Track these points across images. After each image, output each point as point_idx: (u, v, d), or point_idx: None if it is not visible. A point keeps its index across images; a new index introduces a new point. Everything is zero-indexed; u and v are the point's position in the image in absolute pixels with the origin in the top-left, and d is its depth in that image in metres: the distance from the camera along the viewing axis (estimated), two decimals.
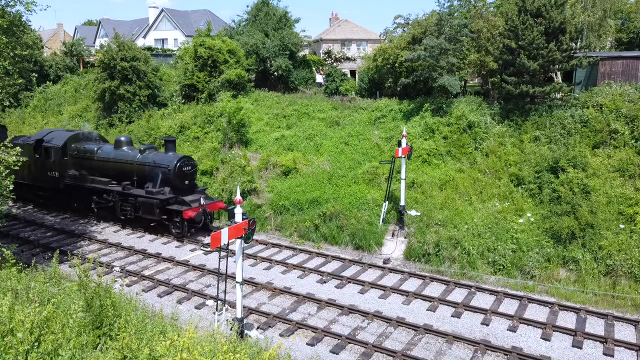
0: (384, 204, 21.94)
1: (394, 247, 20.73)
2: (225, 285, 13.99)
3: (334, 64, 40.80)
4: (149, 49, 47.71)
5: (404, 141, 21.14)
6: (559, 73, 27.58)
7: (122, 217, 23.15)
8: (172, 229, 22.14)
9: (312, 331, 14.31)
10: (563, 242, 19.08)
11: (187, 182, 22.71)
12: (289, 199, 23.89)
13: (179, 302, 16.22)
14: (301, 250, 20.97)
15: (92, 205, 24.02)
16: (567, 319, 15.01)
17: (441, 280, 17.83)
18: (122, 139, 24.18)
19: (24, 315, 7.13)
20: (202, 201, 22.12)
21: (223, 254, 14.15)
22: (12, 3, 17.39)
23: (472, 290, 17.00)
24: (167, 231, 22.65)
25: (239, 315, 13.26)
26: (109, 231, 23.32)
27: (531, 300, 16.27)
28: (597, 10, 31.26)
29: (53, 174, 25.01)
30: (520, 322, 14.71)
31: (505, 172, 23.00)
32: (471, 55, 28.46)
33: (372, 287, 17.26)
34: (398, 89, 30.30)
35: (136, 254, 20.56)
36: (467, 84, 32.28)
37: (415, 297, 16.37)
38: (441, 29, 28.00)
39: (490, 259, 18.88)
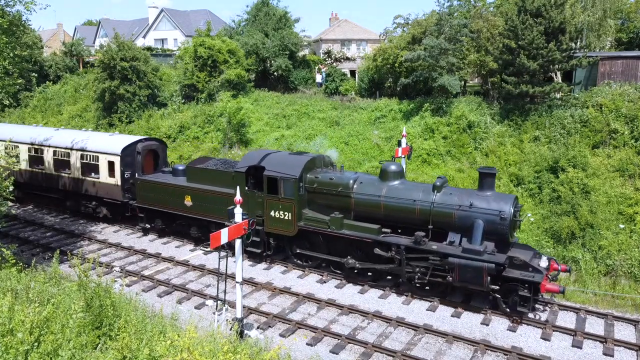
0: None
1: None
2: (225, 285, 13.99)
3: (334, 63, 40.79)
4: (149, 49, 47.70)
5: (403, 141, 21.13)
6: (558, 73, 27.58)
7: (405, 281, 16.38)
8: (503, 305, 15.16)
9: (312, 331, 14.32)
10: (563, 242, 19.09)
11: (515, 233, 16.39)
12: None
13: (179, 302, 16.22)
14: None
15: (350, 261, 17.19)
16: (566, 319, 15.01)
17: None
18: (393, 168, 17.30)
19: (24, 316, 7.14)
20: (545, 262, 15.48)
21: (223, 254, 14.14)
22: (11, 3, 17.35)
23: None
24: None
25: (238, 315, 13.27)
26: (108, 231, 23.31)
27: None
28: (597, 10, 31.26)
29: (279, 215, 17.94)
30: (519, 322, 14.71)
31: (505, 172, 23.01)
32: (471, 55, 28.47)
33: (371, 287, 17.26)
34: (398, 89, 30.30)
35: (136, 254, 20.56)
36: (467, 84, 32.28)
37: (414, 298, 16.38)
38: (441, 29, 28.00)
39: None
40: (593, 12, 31.10)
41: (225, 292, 13.92)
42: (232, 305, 14.51)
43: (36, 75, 33.50)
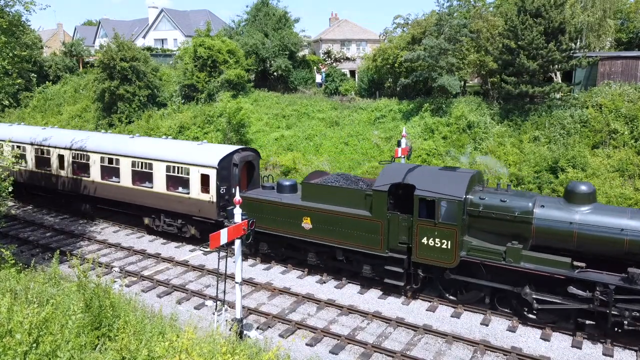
0: None
1: None
2: (225, 285, 13.99)
3: (334, 64, 40.81)
4: (149, 49, 47.73)
5: (403, 141, 21.14)
6: (558, 73, 27.60)
7: (609, 327, 13.39)
8: None
9: (312, 331, 14.31)
10: None
11: None
12: None
13: (179, 302, 16.21)
14: None
15: (526, 290, 14.25)
16: None
17: None
18: (584, 189, 14.29)
19: (23, 317, 7.13)
20: None
21: (222, 254, 14.14)
22: (11, 3, 17.37)
23: None
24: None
25: (238, 316, 13.26)
26: (108, 231, 23.30)
27: None
28: (596, 10, 31.28)
29: (434, 242, 15.08)
30: (519, 323, 14.70)
31: (506, 171, 22.99)
32: (471, 55, 28.48)
33: (371, 288, 17.25)
34: (398, 89, 30.32)
35: (136, 254, 20.55)
36: (467, 84, 32.30)
37: (414, 298, 16.37)
38: (441, 29, 28.02)
39: None
40: (593, 12, 31.12)
41: (224, 292, 13.91)
42: (232, 305, 14.50)
43: (36, 75, 33.51)
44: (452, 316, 15.24)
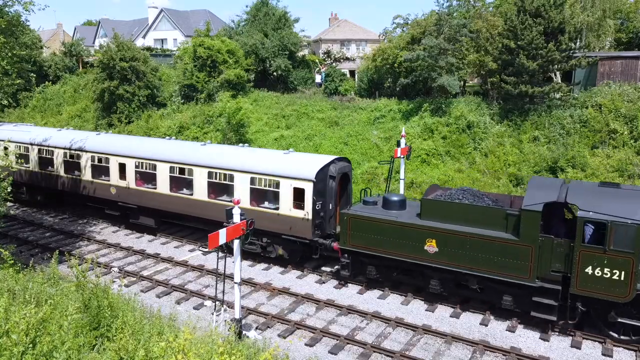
0: None
1: None
2: (224, 285, 13.97)
3: (333, 64, 40.81)
4: (148, 49, 47.72)
5: (403, 141, 21.11)
6: (558, 73, 27.58)
7: None
8: None
9: (311, 331, 14.30)
10: None
11: None
12: None
13: (178, 302, 16.20)
14: None
15: None
16: None
17: None
18: None
19: (20, 317, 7.11)
20: None
21: (221, 254, 14.12)
22: (10, 3, 17.38)
23: None
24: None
25: (237, 316, 13.24)
26: (107, 231, 23.28)
27: None
28: (596, 10, 31.27)
29: (602, 272, 12.95)
30: (519, 323, 14.69)
31: (504, 172, 22.99)
32: (470, 55, 28.47)
33: (370, 288, 17.24)
34: (397, 89, 30.31)
35: (135, 254, 20.54)
36: (466, 84, 32.30)
37: (414, 298, 16.36)
38: (440, 29, 28.01)
39: None
40: (592, 12, 31.11)
41: (223, 292, 13.89)
42: (231, 305, 14.49)
43: (35, 75, 33.50)
44: (451, 316, 15.23)
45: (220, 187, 19.54)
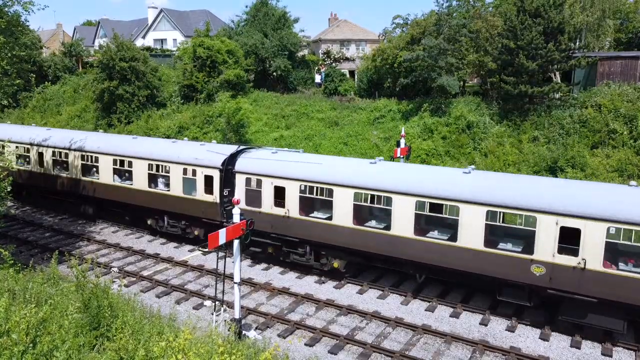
0: None
1: None
2: (224, 285, 13.97)
3: (333, 64, 40.83)
4: (148, 49, 47.72)
5: (402, 141, 21.13)
6: (557, 73, 27.59)
7: None
8: None
9: (311, 331, 14.30)
10: None
11: None
12: None
13: (177, 302, 16.19)
14: None
15: None
16: None
17: None
18: None
19: (20, 317, 7.11)
20: None
21: (221, 254, 14.13)
22: (9, 3, 17.36)
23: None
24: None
25: (236, 316, 13.25)
26: (107, 232, 23.28)
27: None
28: (595, 10, 31.27)
29: None
30: (518, 322, 14.70)
31: (504, 172, 22.98)
32: (470, 55, 28.48)
33: (370, 288, 17.24)
34: (397, 89, 30.33)
35: (135, 254, 20.53)
36: (466, 84, 32.31)
37: (414, 298, 16.36)
38: (440, 29, 28.02)
39: None
40: (592, 12, 31.11)
41: (223, 292, 13.90)
42: (231, 305, 14.49)
43: (35, 75, 33.48)
44: (451, 316, 15.24)
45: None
